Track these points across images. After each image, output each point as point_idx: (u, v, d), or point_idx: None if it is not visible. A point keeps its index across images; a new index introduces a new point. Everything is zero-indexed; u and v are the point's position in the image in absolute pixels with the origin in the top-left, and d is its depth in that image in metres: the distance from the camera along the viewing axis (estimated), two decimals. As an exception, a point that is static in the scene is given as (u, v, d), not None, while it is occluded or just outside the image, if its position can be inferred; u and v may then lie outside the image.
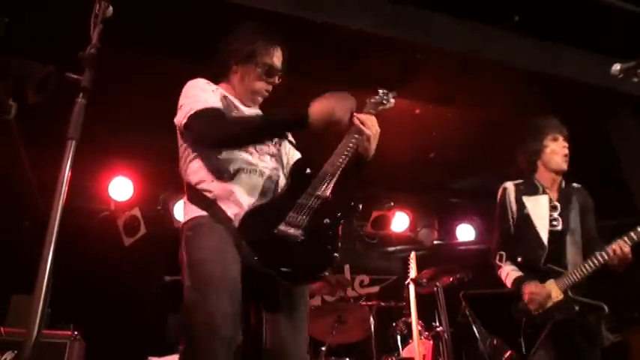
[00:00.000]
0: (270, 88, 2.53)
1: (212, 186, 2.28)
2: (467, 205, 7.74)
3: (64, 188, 1.60)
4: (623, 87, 4.87)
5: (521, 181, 3.35)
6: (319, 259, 2.17)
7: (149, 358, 4.35)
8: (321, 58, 4.76)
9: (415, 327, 4.67)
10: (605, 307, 2.95)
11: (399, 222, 7.32)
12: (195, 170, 2.36)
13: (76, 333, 4.24)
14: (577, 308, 2.95)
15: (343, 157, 2.29)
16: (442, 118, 5.87)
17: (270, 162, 2.39)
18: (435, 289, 5.32)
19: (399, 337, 5.36)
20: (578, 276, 2.97)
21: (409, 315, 5.51)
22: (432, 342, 4.66)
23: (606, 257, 2.93)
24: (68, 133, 1.68)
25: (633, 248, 2.96)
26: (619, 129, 5.66)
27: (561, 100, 5.31)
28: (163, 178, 6.16)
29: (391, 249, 7.76)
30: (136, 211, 6.03)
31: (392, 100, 2.52)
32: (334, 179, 2.29)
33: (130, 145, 5.87)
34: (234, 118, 2.33)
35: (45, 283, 1.46)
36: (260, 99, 2.56)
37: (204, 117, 2.24)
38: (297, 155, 2.60)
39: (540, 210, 3.20)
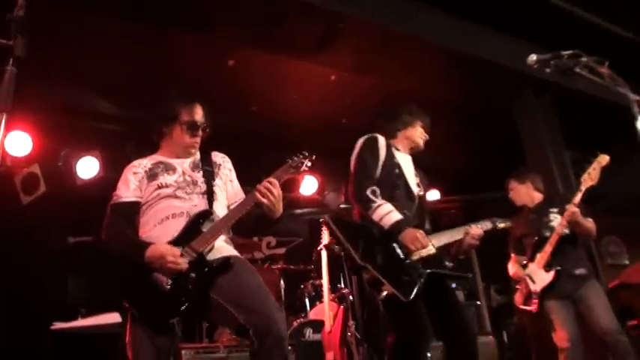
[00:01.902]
0: (198, 140, 2.86)
1: (149, 235, 2.63)
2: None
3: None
4: (529, 70, 5.14)
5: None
6: (170, 308, 2.42)
7: (54, 323, 4.20)
8: (243, 22, 4.66)
9: (327, 291, 4.80)
10: (469, 276, 3.12)
11: (308, 185, 7.40)
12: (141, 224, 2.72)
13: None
14: (449, 265, 3.03)
15: (236, 217, 2.60)
16: (356, 86, 5.96)
17: (198, 200, 2.70)
18: (343, 253, 5.51)
19: (307, 300, 5.52)
20: (448, 238, 3.08)
21: (316, 278, 5.68)
22: (342, 306, 4.80)
23: (466, 235, 3.10)
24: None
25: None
26: (522, 108, 6.01)
27: (473, 78, 5.56)
28: (65, 134, 5.87)
29: (298, 211, 7.86)
30: (35, 168, 5.69)
31: (309, 164, 2.81)
32: (219, 236, 2.60)
33: (28, 97, 5.51)
34: (117, 231, 2.67)
35: None
36: (193, 150, 2.88)
37: (108, 218, 2.70)
38: (238, 194, 2.88)
39: (408, 166, 3.25)
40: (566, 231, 3.94)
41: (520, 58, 5.44)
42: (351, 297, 5.18)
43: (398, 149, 3.30)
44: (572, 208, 3.83)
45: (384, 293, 2.88)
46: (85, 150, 5.87)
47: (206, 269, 2.51)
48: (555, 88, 5.92)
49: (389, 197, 3.02)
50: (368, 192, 2.98)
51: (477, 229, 3.11)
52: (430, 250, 2.94)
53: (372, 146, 3.18)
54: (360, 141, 3.26)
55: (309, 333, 4.78)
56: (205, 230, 2.59)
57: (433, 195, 7.08)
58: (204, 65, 5.33)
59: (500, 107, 6.13)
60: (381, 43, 5.12)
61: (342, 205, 7.68)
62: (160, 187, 2.71)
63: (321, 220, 5.22)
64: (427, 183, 3.42)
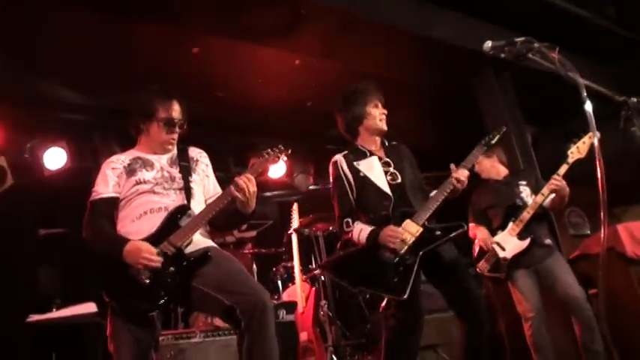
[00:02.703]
0: (175, 136, 2.92)
1: (127, 230, 2.69)
2: (340, 152, 8.03)
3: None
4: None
5: (346, 151, 3.43)
6: (150, 302, 2.51)
7: (30, 316, 4.23)
8: (206, 9, 4.67)
9: (298, 273, 4.91)
10: (464, 225, 3.17)
11: (276, 168, 7.46)
12: (119, 218, 2.78)
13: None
14: (438, 232, 3.11)
15: (212, 212, 2.69)
16: (321, 70, 6.01)
17: (176, 196, 2.77)
18: (313, 235, 5.64)
19: (279, 282, 5.63)
20: (432, 207, 3.15)
21: (288, 260, 5.79)
22: (313, 287, 4.92)
23: (452, 186, 3.17)
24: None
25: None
26: (482, 86, 6.15)
27: (434, 59, 5.66)
28: (31, 125, 5.83)
29: (268, 194, 7.93)
30: (2, 161, 5.64)
31: (284, 158, 2.95)
32: (196, 231, 2.68)
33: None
34: (97, 229, 2.71)
35: None
36: (170, 147, 2.94)
37: (88, 215, 2.76)
38: (215, 189, 2.97)
39: (375, 170, 3.31)
40: (547, 201, 4.04)
41: (478, 38, 5.59)
42: (322, 277, 5.31)
43: (362, 155, 3.38)
44: (559, 178, 3.93)
45: (385, 302, 3.13)
46: (52, 141, 5.85)
47: (185, 263, 2.58)
48: (514, 67, 6.06)
49: (368, 209, 3.25)
50: (344, 226, 3.23)
51: (463, 171, 3.21)
52: (415, 232, 3.07)
53: (337, 176, 3.34)
54: (330, 169, 3.42)
55: (282, 314, 4.90)
56: (183, 225, 2.65)
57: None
58: (169, 53, 5.32)
59: (461, 86, 6.25)
60: (343, 27, 5.17)
61: (310, 187, 7.80)
62: (138, 182, 2.76)
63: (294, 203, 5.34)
64: (407, 157, 3.48)
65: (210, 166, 3.05)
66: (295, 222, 5.13)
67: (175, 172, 2.85)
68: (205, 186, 2.97)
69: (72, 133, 6.00)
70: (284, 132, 7.32)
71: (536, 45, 2.66)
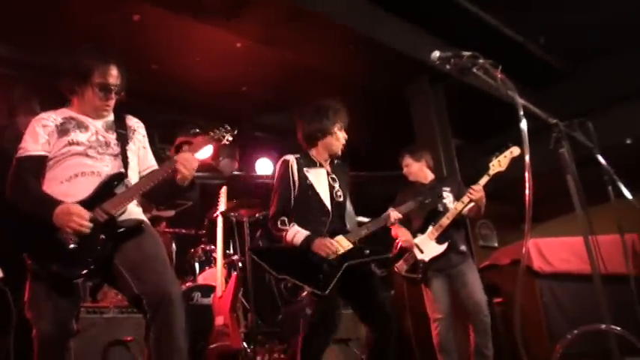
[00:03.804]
0: (110, 103, 2.73)
1: (54, 191, 2.53)
2: (268, 140, 8.03)
3: None
4: (427, 59, 5.41)
5: (299, 155, 3.51)
6: (76, 267, 2.40)
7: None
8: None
9: (220, 257, 4.87)
10: (389, 255, 3.45)
11: (202, 150, 7.33)
12: (46, 179, 2.62)
13: None
14: (367, 252, 3.34)
15: (152, 183, 2.60)
16: (261, 56, 5.99)
17: (110, 162, 2.64)
18: (234, 220, 5.60)
19: (196, 264, 5.55)
20: (363, 233, 3.42)
21: (207, 243, 5.72)
22: (235, 272, 4.90)
23: (384, 223, 3.55)
24: None
25: None
26: (416, 93, 6.33)
27: (374, 60, 5.77)
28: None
29: (190, 175, 7.77)
30: None
31: (230, 138, 2.92)
32: (132, 201, 2.60)
33: None
34: (24, 187, 2.56)
35: None
36: (105, 113, 2.76)
37: (14, 172, 2.58)
38: (151, 161, 2.85)
39: (321, 182, 3.43)
40: (467, 209, 4.21)
41: (419, 47, 5.79)
42: (240, 264, 5.29)
43: (313, 164, 3.48)
44: (479, 188, 4.08)
45: (305, 293, 3.19)
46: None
47: (116, 231, 2.48)
48: (448, 80, 6.29)
49: (304, 218, 3.32)
50: (278, 223, 3.30)
51: (396, 214, 3.58)
52: (347, 246, 3.26)
53: (285, 175, 3.41)
54: (277, 166, 3.50)
55: (197, 297, 4.83)
56: (119, 193, 2.55)
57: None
58: (108, 17, 5.13)
59: (397, 91, 6.41)
60: (288, 17, 5.17)
61: (235, 172, 7.73)
62: (70, 143, 2.60)
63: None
64: (347, 179, 3.63)
65: (146, 138, 2.91)
66: (222, 205, 5.07)
67: (111, 137, 2.70)
68: (141, 157, 2.82)
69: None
70: (215, 113, 7.22)
71: (481, 61, 2.72)
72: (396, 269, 4.37)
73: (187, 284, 5.07)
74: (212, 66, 6.21)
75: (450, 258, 4.21)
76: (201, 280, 5.28)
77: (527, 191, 2.27)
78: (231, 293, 4.52)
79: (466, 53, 2.71)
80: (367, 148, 7.10)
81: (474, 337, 4.07)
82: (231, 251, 5.72)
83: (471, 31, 5.67)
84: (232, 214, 5.24)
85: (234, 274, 4.81)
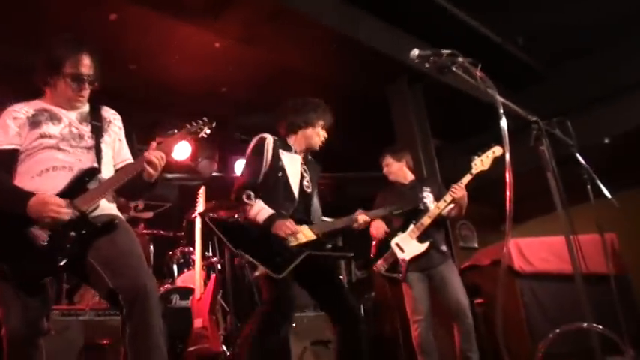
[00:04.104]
0: (83, 94, 2.67)
1: (26, 186, 2.46)
2: (247, 142, 7.95)
3: None
4: (406, 59, 5.41)
5: (277, 138, 3.48)
6: (45, 266, 2.34)
7: None
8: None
9: (199, 259, 4.81)
10: (352, 254, 3.50)
11: (181, 150, 7.25)
12: (18, 173, 2.55)
13: None
14: (329, 246, 3.33)
15: (125, 179, 2.52)
16: (241, 57, 5.94)
17: (83, 156, 2.57)
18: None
19: (174, 266, 5.49)
20: (328, 227, 3.38)
21: (186, 245, 5.66)
22: (214, 274, 4.85)
23: (350, 223, 3.46)
24: None
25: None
26: (395, 94, 6.33)
27: (354, 60, 5.75)
28: None
29: (169, 176, 7.70)
30: None
31: (207, 132, 2.82)
32: (105, 197, 2.54)
33: None
34: None
35: None
36: (79, 104, 2.69)
37: None
38: (126, 155, 2.79)
39: (294, 167, 3.40)
40: (447, 210, 4.21)
41: (399, 47, 5.79)
42: (219, 266, 5.24)
43: (289, 149, 3.45)
44: (461, 187, 4.10)
45: (258, 272, 3.11)
46: None
47: (87, 229, 2.41)
48: (427, 79, 6.30)
49: (268, 198, 3.25)
50: (244, 197, 3.22)
51: (364, 217, 3.48)
52: (310, 236, 3.23)
53: (258, 150, 3.35)
54: (252, 141, 3.44)
55: (175, 299, 4.78)
56: (91, 188, 2.48)
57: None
58: (84, 15, 5.04)
59: (376, 91, 6.40)
60: (269, 16, 5.14)
61: (214, 174, 7.67)
62: (42, 136, 2.53)
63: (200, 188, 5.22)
64: (317, 178, 3.61)
65: (122, 130, 2.83)
66: (201, 206, 5.01)
67: (86, 130, 2.63)
68: (116, 150, 2.75)
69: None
70: (193, 114, 7.05)
71: (460, 59, 2.72)
72: (375, 269, 4.36)
73: (165, 286, 5.00)
74: (191, 66, 6.15)
75: (431, 257, 4.20)
76: (179, 282, 5.22)
77: (507, 190, 2.27)
78: (210, 295, 4.46)
79: (445, 51, 2.72)
80: (346, 149, 7.07)
81: (459, 340, 4.07)
82: (210, 253, 5.67)
83: (450, 31, 5.67)
84: (210, 215, 5.18)
85: (214, 275, 4.76)
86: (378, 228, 4.32)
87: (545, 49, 6.95)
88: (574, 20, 6.24)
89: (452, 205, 4.21)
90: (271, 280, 3.05)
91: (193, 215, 5.06)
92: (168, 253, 5.65)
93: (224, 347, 4.48)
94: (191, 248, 5.44)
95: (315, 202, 3.49)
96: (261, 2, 4.99)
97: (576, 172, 2.94)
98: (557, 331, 3.37)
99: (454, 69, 2.72)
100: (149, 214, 7.11)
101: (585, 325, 2.31)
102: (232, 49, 5.82)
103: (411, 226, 4.23)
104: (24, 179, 2.49)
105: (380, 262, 4.30)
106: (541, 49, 6.95)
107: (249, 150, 3.42)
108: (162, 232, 5.76)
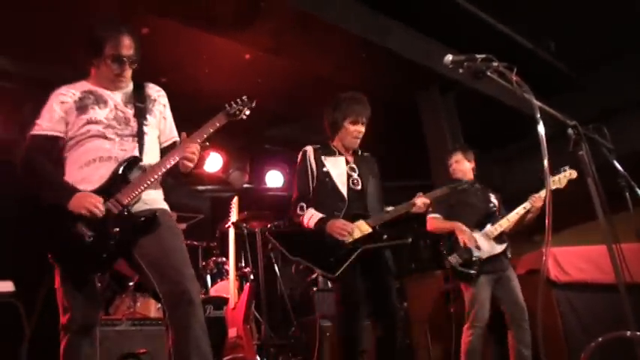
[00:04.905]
0: (125, 74, 2.68)
1: (73, 177, 2.51)
2: (278, 153, 8.01)
3: None
4: (437, 67, 5.40)
5: (319, 145, 3.63)
6: (90, 264, 2.40)
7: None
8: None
9: (233, 268, 4.83)
10: (410, 239, 3.51)
11: (213, 162, 7.34)
12: (68, 162, 2.60)
13: None
14: (385, 237, 3.39)
15: (159, 173, 2.54)
16: (271, 67, 5.97)
17: (128, 145, 2.59)
18: (245, 231, 5.55)
19: (208, 276, 5.51)
20: (386, 217, 3.44)
21: (219, 255, 5.69)
22: (249, 283, 4.86)
23: (411, 207, 3.52)
24: None
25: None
26: (427, 102, 6.29)
27: (384, 68, 5.73)
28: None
29: (201, 188, 7.77)
30: None
31: (247, 112, 2.86)
32: (145, 190, 2.52)
33: None
34: (37, 169, 2.53)
35: None
36: (122, 85, 2.71)
37: (26, 150, 2.55)
38: (172, 133, 2.85)
39: (339, 168, 3.52)
40: (528, 216, 4.29)
41: (429, 55, 5.76)
42: (252, 276, 5.25)
43: (332, 152, 3.60)
44: (540, 198, 4.20)
45: (315, 275, 3.26)
46: None
47: (131, 225, 2.42)
48: (459, 88, 6.25)
49: (320, 204, 3.43)
50: (297, 209, 3.45)
51: (422, 199, 3.54)
52: (365, 230, 3.31)
53: (303, 163, 3.56)
54: (298, 156, 3.62)
55: (210, 309, 4.80)
56: (133, 179, 2.49)
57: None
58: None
59: (407, 100, 6.36)
60: (298, 26, 5.16)
61: (245, 185, 7.71)
62: (89, 122, 2.56)
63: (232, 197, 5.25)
64: (373, 169, 3.69)
65: (168, 107, 2.87)
66: (234, 216, 5.04)
67: (130, 113, 2.64)
68: (161, 129, 2.80)
69: (1, 102, 5.66)
70: (224, 126, 7.19)
71: (495, 64, 2.69)
72: (449, 263, 4.27)
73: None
74: (221, 78, 6.19)
75: (503, 261, 4.26)
76: (213, 292, 5.24)
77: (547, 200, 2.23)
78: (244, 304, 4.47)
79: (480, 56, 2.70)
80: (377, 158, 7.06)
81: (515, 347, 4.04)
82: (243, 263, 5.69)
83: (480, 37, 5.61)
84: (244, 225, 5.20)
85: (248, 284, 4.76)
86: (460, 226, 4.26)
87: (577, 54, 6.84)
88: (607, 24, 6.13)
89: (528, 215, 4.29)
90: (334, 281, 3.29)
91: (227, 225, 5.08)
92: (202, 263, 5.68)
93: (258, 357, 4.47)
94: (224, 258, 5.46)
95: (373, 194, 3.54)
96: (289, 12, 5.01)
97: (612, 181, 2.87)
98: (600, 339, 3.29)
99: (489, 74, 2.70)
100: (182, 226, 7.17)
101: (629, 333, 2.25)
102: (262, 60, 5.86)
103: (489, 226, 4.28)
104: (72, 169, 2.54)
105: (454, 257, 4.25)
106: (572, 54, 6.84)
107: (297, 165, 3.60)
108: (195, 243, 5.79)
